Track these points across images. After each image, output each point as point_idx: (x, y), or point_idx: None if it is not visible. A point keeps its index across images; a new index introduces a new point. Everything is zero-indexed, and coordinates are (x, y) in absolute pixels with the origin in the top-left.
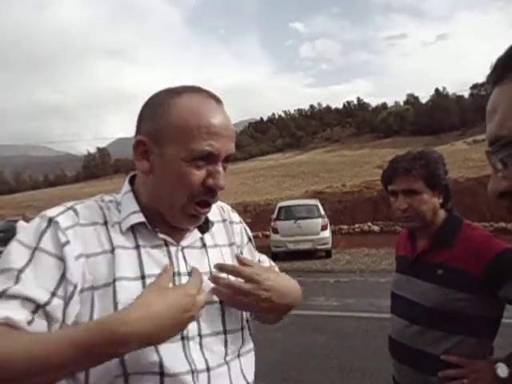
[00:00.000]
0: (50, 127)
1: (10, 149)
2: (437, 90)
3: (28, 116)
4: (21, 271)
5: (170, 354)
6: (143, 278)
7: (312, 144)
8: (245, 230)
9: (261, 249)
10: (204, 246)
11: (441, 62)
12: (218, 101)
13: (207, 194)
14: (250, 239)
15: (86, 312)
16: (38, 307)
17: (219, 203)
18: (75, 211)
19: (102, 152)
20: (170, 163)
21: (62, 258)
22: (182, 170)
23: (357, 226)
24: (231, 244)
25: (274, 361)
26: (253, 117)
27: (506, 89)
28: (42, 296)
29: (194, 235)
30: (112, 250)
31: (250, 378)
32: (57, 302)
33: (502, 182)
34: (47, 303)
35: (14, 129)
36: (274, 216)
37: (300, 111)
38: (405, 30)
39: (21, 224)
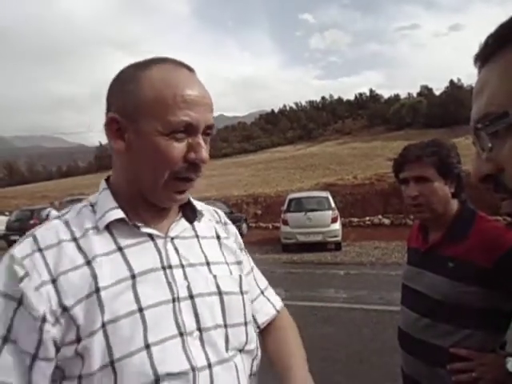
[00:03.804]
0: (63, 118)
1: (24, 140)
2: (451, 82)
3: (41, 107)
4: None
5: (168, 356)
6: (134, 277)
7: (323, 136)
8: (237, 235)
9: (271, 241)
10: (197, 236)
11: (455, 53)
12: (190, 69)
13: (190, 170)
14: (241, 247)
15: (72, 330)
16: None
17: (214, 209)
18: (34, 237)
19: None
20: (147, 139)
21: (14, 297)
22: (160, 144)
23: (367, 218)
24: (226, 238)
25: None
26: (262, 109)
27: (495, 67)
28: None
29: (181, 225)
30: (88, 262)
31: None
32: (11, 348)
33: (486, 164)
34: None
35: (28, 120)
36: (285, 208)
37: (311, 103)
38: (417, 21)
39: (53, 213)
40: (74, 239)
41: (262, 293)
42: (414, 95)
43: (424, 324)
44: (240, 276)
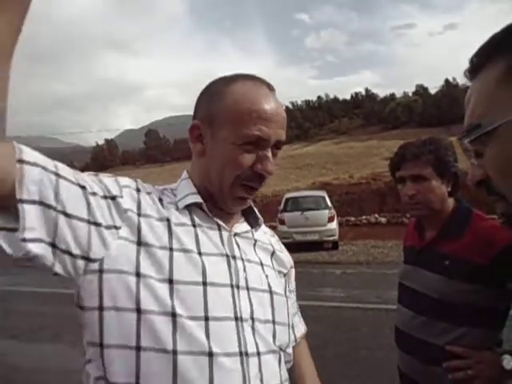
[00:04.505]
0: (59, 119)
1: (19, 140)
2: (447, 81)
3: (36, 108)
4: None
5: (222, 334)
6: (200, 254)
7: (319, 135)
8: (289, 256)
9: None
10: (255, 240)
11: (450, 52)
12: (270, 88)
13: (254, 179)
14: (291, 266)
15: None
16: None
17: (269, 229)
18: (136, 180)
19: (110, 143)
20: (220, 145)
21: (113, 195)
22: (232, 152)
23: (364, 217)
24: (279, 250)
25: None
26: None
27: (477, 83)
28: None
29: (243, 226)
30: (168, 220)
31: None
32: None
33: (478, 170)
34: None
35: (23, 120)
36: (281, 207)
37: (307, 102)
38: (412, 20)
39: None
40: (161, 200)
41: (298, 311)
42: (410, 94)
43: (420, 322)
44: (285, 281)
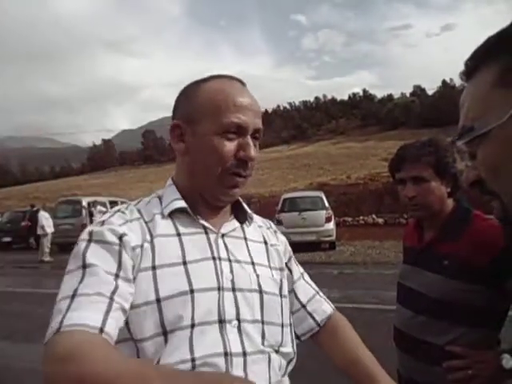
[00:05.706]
0: (56, 119)
1: (16, 141)
2: (444, 82)
3: (33, 108)
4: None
5: (206, 338)
6: (185, 263)
7: (317, 136)
8: (287, 244)
9: None
10: (245, 238)
11: (447, 53)
12: (242, 83)
13: (239, 166)
14: (290, 255)
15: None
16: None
17: (266, 220)
18: (121, 211)
19: (107, 144)
20: (202, 139)
21: (119, 245)
22: (213, 142)
23: (361, 218)
24: (274, 244)
25: None
26: None
27: (471, 85)
28: (108, 287)
29: (232, 224)
30: (151, 240)
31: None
32: (122, 284)
33: (472, 171)
34: (116, 288)
35: (20, 121)
36: (279, 208)
37: (305, 103)
38: (409, 21)
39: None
40: (145, 222)
41: (318, 293)
42: (407, 95)
43: (419, 322)
44: (281, 280)
